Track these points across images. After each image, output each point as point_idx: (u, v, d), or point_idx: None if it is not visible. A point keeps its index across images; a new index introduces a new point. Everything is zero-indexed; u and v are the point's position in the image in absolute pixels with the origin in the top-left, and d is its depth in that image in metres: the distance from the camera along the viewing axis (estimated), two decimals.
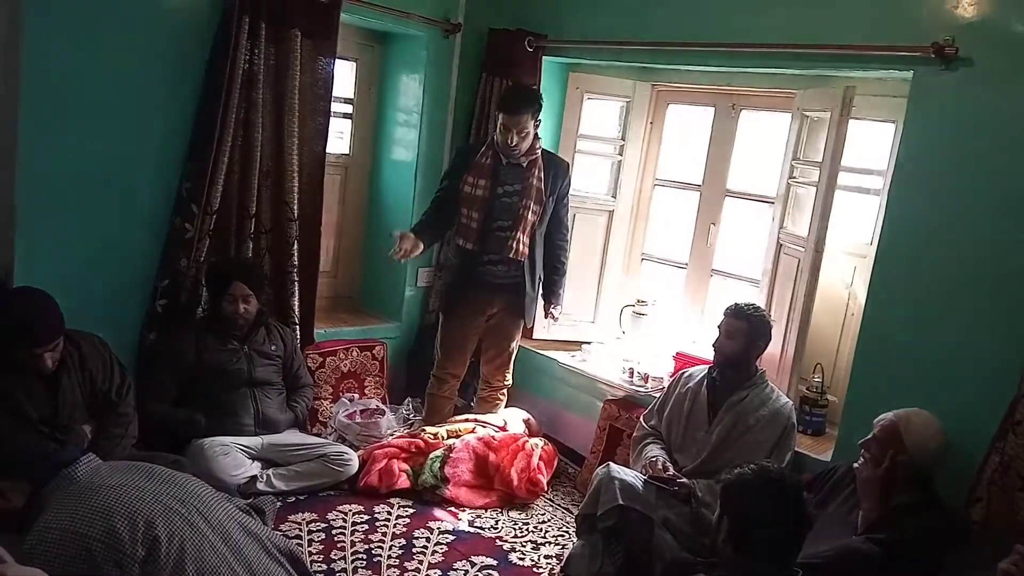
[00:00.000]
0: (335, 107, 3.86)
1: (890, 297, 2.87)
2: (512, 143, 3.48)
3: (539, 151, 3.59)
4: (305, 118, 3.62)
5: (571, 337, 4.25)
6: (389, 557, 2.96)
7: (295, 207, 3.64)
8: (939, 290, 2.73)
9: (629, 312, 4.08)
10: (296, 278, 3.72)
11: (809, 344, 3.30)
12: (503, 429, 3.74)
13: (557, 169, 3.67)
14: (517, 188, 3.56)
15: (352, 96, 4.33)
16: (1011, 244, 2.58)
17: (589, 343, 4.14)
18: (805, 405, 3.31)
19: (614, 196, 4.23)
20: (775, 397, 3.04)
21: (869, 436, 2.57)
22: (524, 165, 3.57)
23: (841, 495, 2.71)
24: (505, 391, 3.96)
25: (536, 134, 3.55)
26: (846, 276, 3.47)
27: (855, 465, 2.65)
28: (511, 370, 3.93)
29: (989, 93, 2.64)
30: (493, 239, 3.58)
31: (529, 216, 3.55)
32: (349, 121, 4.36)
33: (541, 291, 3.79)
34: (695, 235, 4.01)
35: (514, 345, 3.86)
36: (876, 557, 2.30)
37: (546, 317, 3.92)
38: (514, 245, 3.54)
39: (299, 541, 2.96)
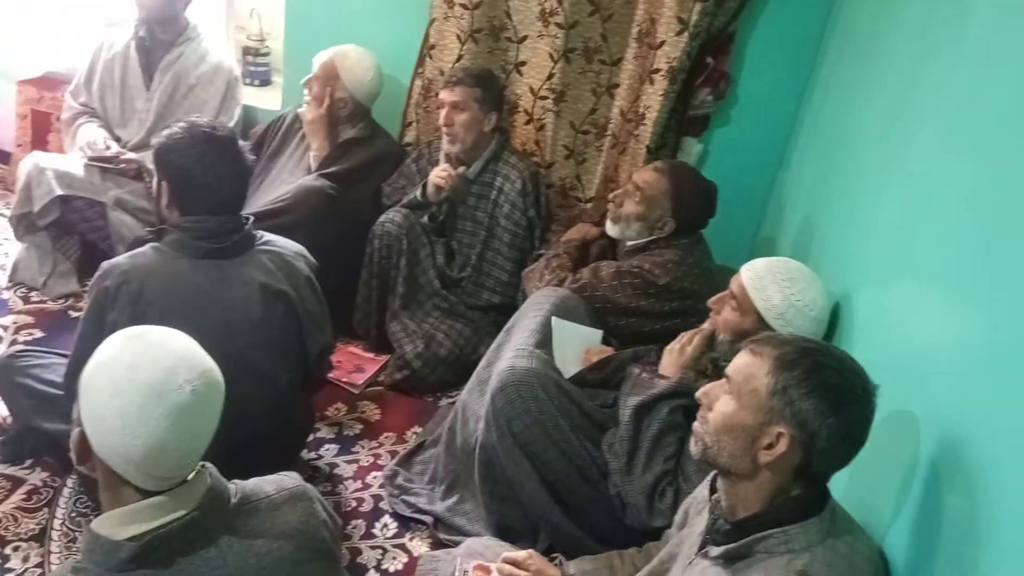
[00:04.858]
0: None
1: None
2: None
3: None
4: None
5: None
6: None
7: None
8: None
9: None
10: None
11: None
12: None
13: None
14: None
15: None
16: None
17: None
18: (247, 55, 3.16)
19: None
20: (213, 51, 2.83)
21: (311, 75, 2.61)
22: None
23: (293, 141, 2.79)
24: None
25: None
26: None
27: (299, 110, 2.71)
28: None
29: None
30: None
31: None
32: None
33: None
34: None
35: None
36: (327, 189, 2.47)
37: None
38: None
39: None
